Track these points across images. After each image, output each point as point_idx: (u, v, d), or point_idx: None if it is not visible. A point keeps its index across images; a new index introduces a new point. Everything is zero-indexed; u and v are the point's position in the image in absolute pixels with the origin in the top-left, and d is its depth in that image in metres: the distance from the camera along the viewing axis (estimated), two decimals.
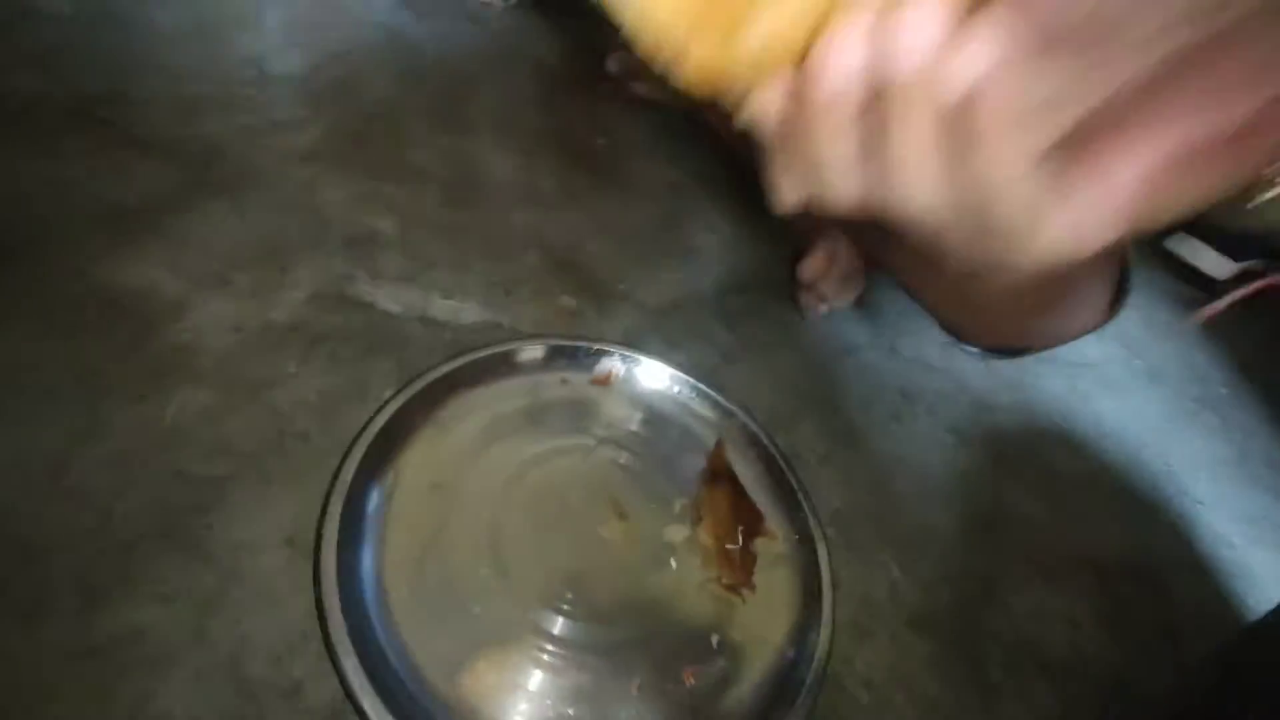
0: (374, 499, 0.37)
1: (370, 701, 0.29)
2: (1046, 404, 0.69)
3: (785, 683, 0.37)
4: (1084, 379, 0.75)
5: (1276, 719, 0.36)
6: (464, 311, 0.52)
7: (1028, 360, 0.74)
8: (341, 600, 0.32)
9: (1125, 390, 0.76)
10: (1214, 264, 1.07)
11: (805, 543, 0.44)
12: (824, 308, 0.65)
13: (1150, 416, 0.74)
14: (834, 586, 0.42)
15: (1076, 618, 0.50)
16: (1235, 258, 1.07)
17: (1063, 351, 0.78)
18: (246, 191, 0.53)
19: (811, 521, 0.45)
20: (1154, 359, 0.85)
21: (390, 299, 0.50)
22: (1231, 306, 0.95)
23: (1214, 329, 0.97)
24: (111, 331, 0.41)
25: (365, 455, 0.38)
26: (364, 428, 0.39)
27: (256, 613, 0.32)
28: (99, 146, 0.51)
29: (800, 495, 0.46)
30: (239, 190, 0.53)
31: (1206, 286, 1.07)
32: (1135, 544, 0.58)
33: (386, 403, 0.41)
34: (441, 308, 0.51)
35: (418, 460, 0.40)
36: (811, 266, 0.60)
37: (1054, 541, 0.55)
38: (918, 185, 0.18)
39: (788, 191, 0.21)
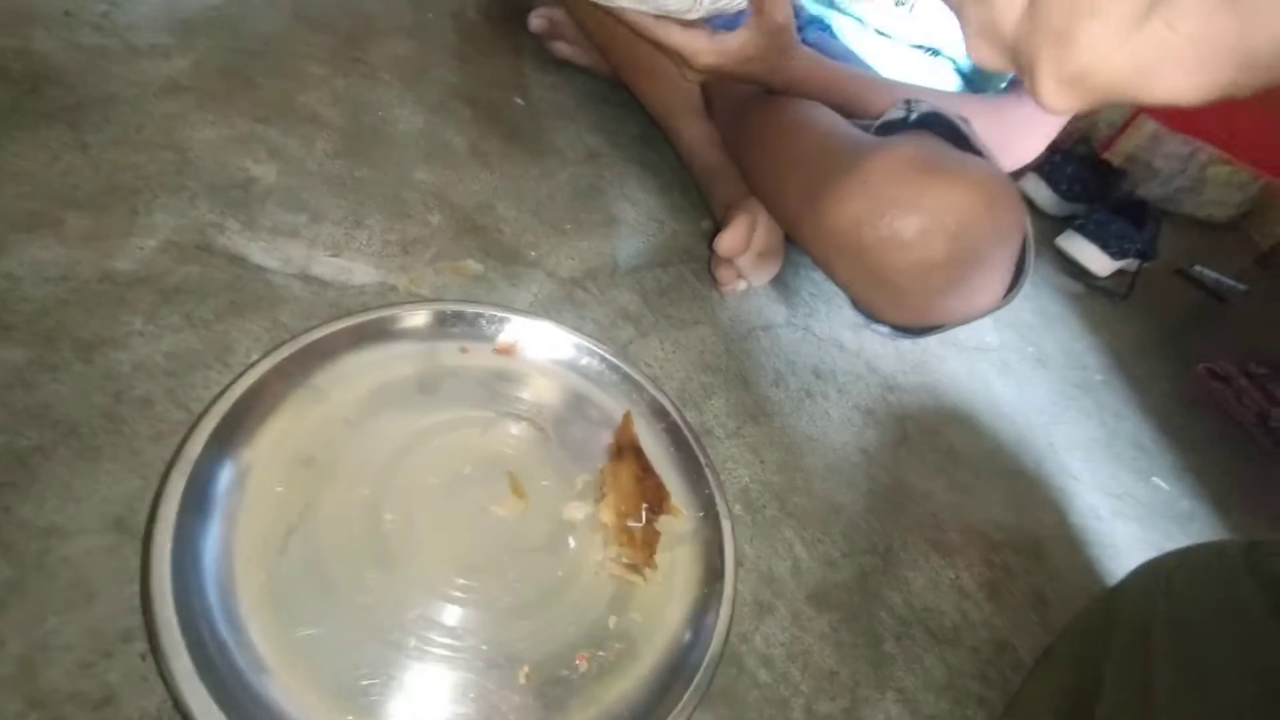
0: (226, 475, 0.32)
1: (204, 710, 0.25)
2: (949, 386, 0.72)
3: (682, 663, 0.36)
4: (982, 363, 0.79)
5: (1127, 680, 0.38)
6: (353, 271, 0.47)
7: (932, 344, 0.77)
8: (175, 592, 0.27)
9: (1018, 375, 0.81)
10: (1097, 261, 1.16)
11: (710, 520, 0.43)
12: (741, 285, 0.65)
13: (1038, 399, 0.79)
14: (737, 564, 0.42)
15: (965, 587, 0.52)
16: (1113, 256, 1.16)
17: (964, 336, 0.82)
18: (90, 123, 0.46)
19: (718, 498, 0.44)
20: (1042, 346, 0.91)
21: (265, 253, 0.44)
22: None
23: (1092, 321, 1.05)
24: None
25: (220, 425, 0.33)
26: (221, 393, 0.34)
27: (65, 610, 0.27)
28: None
29: (708, 471, 0.45)
30: (79, 121, 0.45)
31: (1087, 282, 1.16)
32: (1019, 517, 0.61)
33: (251, 366, 0.36)
34: (327, 265, 0.46)
35: (285, 431, 0.35)
36: (730, 239, 0.59)
37: (949, 516, 0.57)
38: None
39: None
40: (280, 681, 0.28)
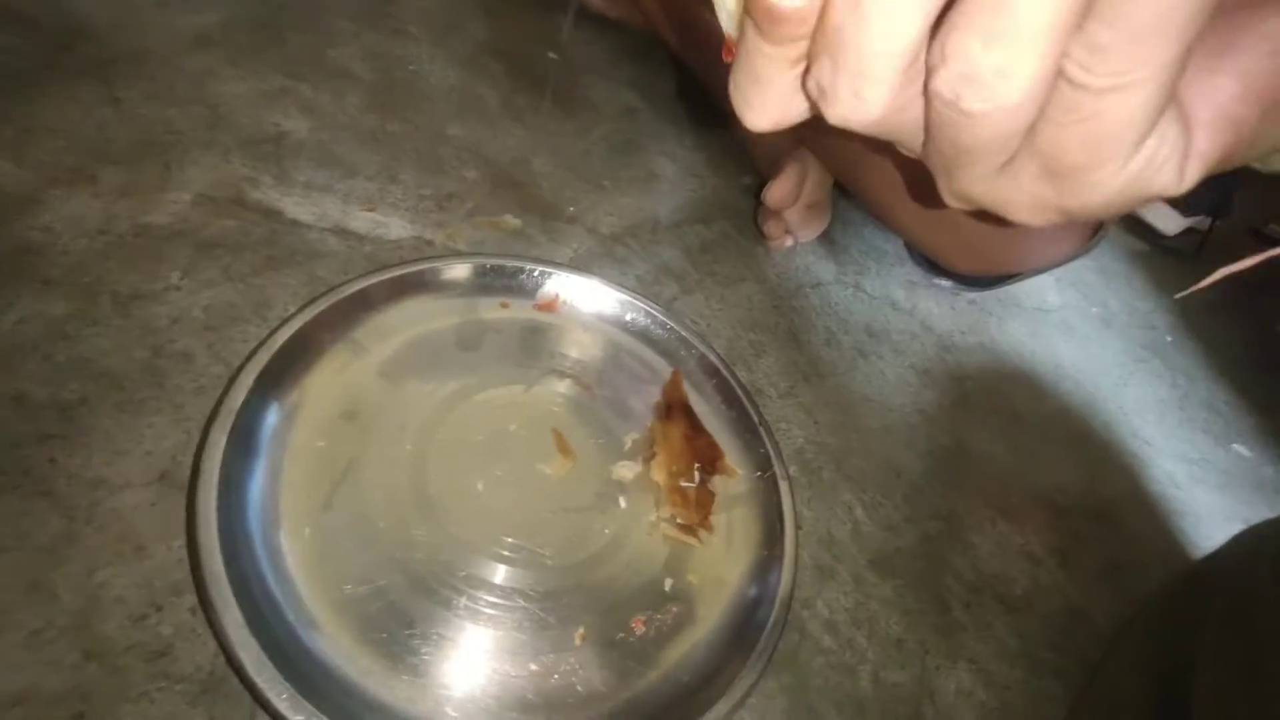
0: (269, 428, 0.31)
1: (256, 664, 0.24)
2: (1009, 346, 0.68)
3: (744, 627, 0.34)
4: (1044, 323, 0.74)
5: (1228, 655, 0.35)
6: (388, 226, 0.45)
7: (991, 303, 0.73)
8: (222, 545, 0.26)
9: (1082, 336, 0.76)
10: (1166, 218, 1.08)
11: (766, 480, 0.41)
12: (789, 240, 0.61)
13: (1104, 361, 0.74)
14: (797, 526, 0.39)
15: (1035, 554, 0.49)
16: (1184, 213, 1.09)
17: (1025, 296, 0.77)
18: (121, 78, 0.44)
19: (774, 458, 0.41)
20: (1108, 306, 0.85)
21: (300, 207, 0.43)
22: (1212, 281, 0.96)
23: (1159, 280, 0.98)
24: None
25: (260, 377, 0.32)
26: (260, 346, 0.33)
27: (116, 562, 0.27)
28: None
29: (762, 430, 0.43)
30: (111, 75, 0.44)
31: (1154, 240, 1.09)
32: (1090, 482, 0.58)
33: (290, 318, 0.35)
34: (362, 220, 0.44)
35: (325, 385, 0.34)
36: (779, 190, 0.55)
37: (1014, 480, 0.54)
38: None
39: (770, 104, 0.15)
40: (330, 638, 0.27)
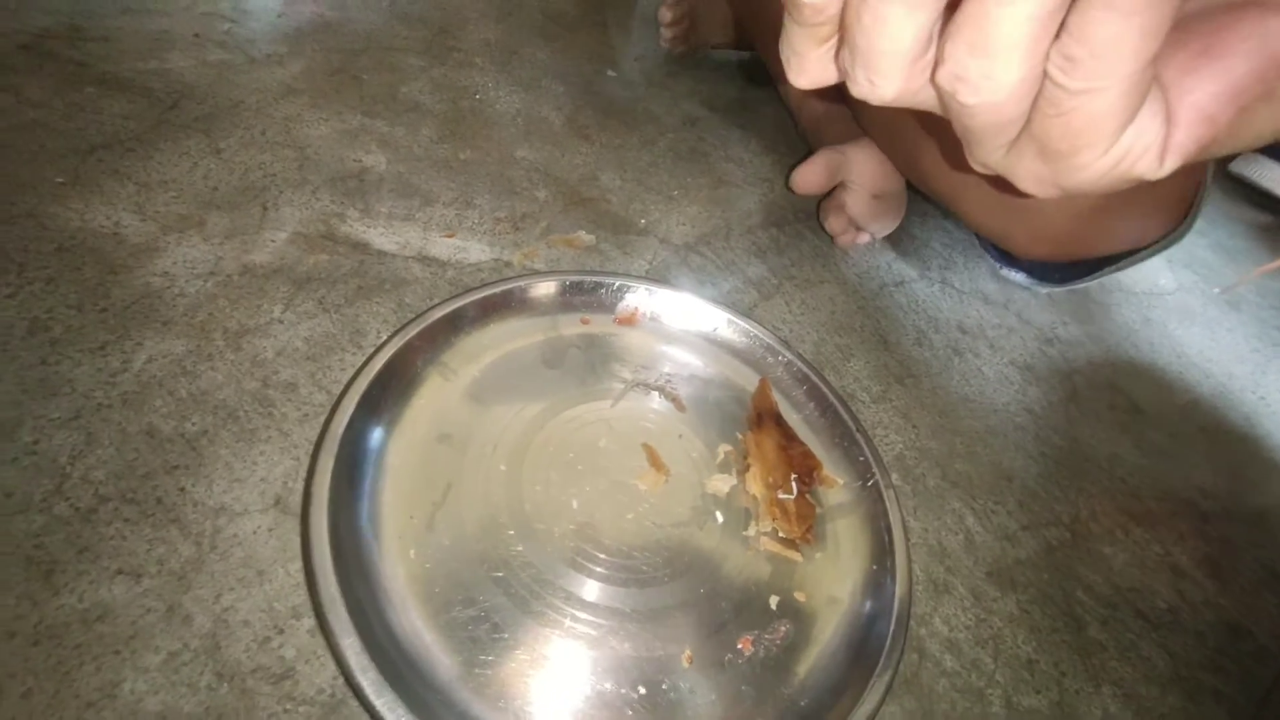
0: (371, 453, 0.32)
1: (375, 687, 0.24)
2: (1119, 335, 0.62)
3: (860, 647, 0.32)
4: (1158, 308, 0.68)
5: None
6: (468, 250, 0.46)
7: (1093, 290, 0.67)
8: (336, 570, 0.27)
9: (1205, 319, 0.69)
10: None
11: (869, 490, 0.38)
12: (863, 237, 0.59)
13: (1235, 347, 0.67)
14: (906, 537, 0.37)
15: (1179, 564, 0.44)
16: None
17: (1132, 280, 0.71)
18: (221, 130, 0.48)
19: (874, 465, 0.39)
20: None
21: (385, 238, 0.45)
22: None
23: None
24: (70, 278, 0.36)
25: (360, 404, 0.33)
26: (357, 374, 0.34)
27: (239, 586, 0.28)
28: (58, 84, 0.46)
29: (860, 437, 0.40)
30: (212, 129, 0.48)
31: (1277, 208, 0.98)
32: (1232, 482, 0.52)
33: (382, 346, 0.36)
34: (442, 246, 0.46)
35: (420, 409, 0.35)
36: (802, 174, 0.54)
37: (1144, 482, 0.49)
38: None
39: (807, 71, 0.18)
40: (441, 661, 0.27)
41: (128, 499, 0.29)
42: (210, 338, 0.36)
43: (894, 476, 0.42)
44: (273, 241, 0.42)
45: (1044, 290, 0.62)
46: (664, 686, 0.29)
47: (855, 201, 0.55)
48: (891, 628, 0.32)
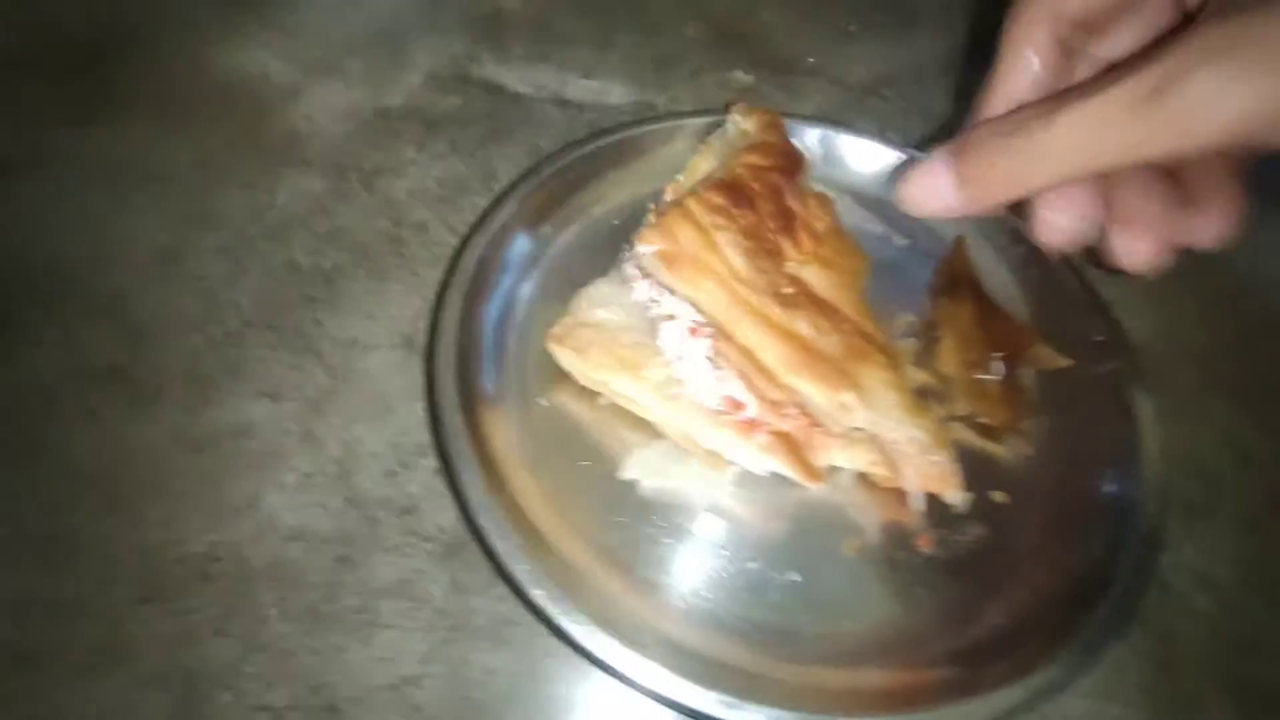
0: (501, 294, 0.29)
1: (497, 532, 0.22)
2: None
3: (1076, 570, 0.25)
4: None
5: None
6: (608, 92, 0.40)
7: None
8: (463, 411, 0.24)
9: None
10: None
11: (1106, 377, 0.29)
12: None
13: None
14: (1158, 441, 0.27)
15: None
16: None
17: None
18: None
19: (1114, 347, 0.29)
20: None
21: (519, 80, 0.40)
22: None
23: None
24: (224, 119, 0.36)
25: (489, 245, 0.29)
26: (486, 214, 0.31)
27: (369, 419, 0.27)
28: None
29: (1097, 313, 0.31)
30: None
31: None
32: None
33: (514, 186, 0.32)
34: (580, 88, 0.40)
35: (557, 251, 0.31)
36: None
37: None
38: None
39: None
40: (570, 516, 0.24)
41: (270, 326, 0.29)
42: (346, 178, 0.34)
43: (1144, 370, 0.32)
44: (407, 85, 0.39)
45: None
46: (820, 575, 0.24)
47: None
48: (1128, 551, 0.24)
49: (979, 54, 0.47)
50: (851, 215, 0.35)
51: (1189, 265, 0.36)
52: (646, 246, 0.22)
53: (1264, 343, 0.35)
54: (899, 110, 0.42)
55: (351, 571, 0.23)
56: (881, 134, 0.38)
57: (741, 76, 0.42)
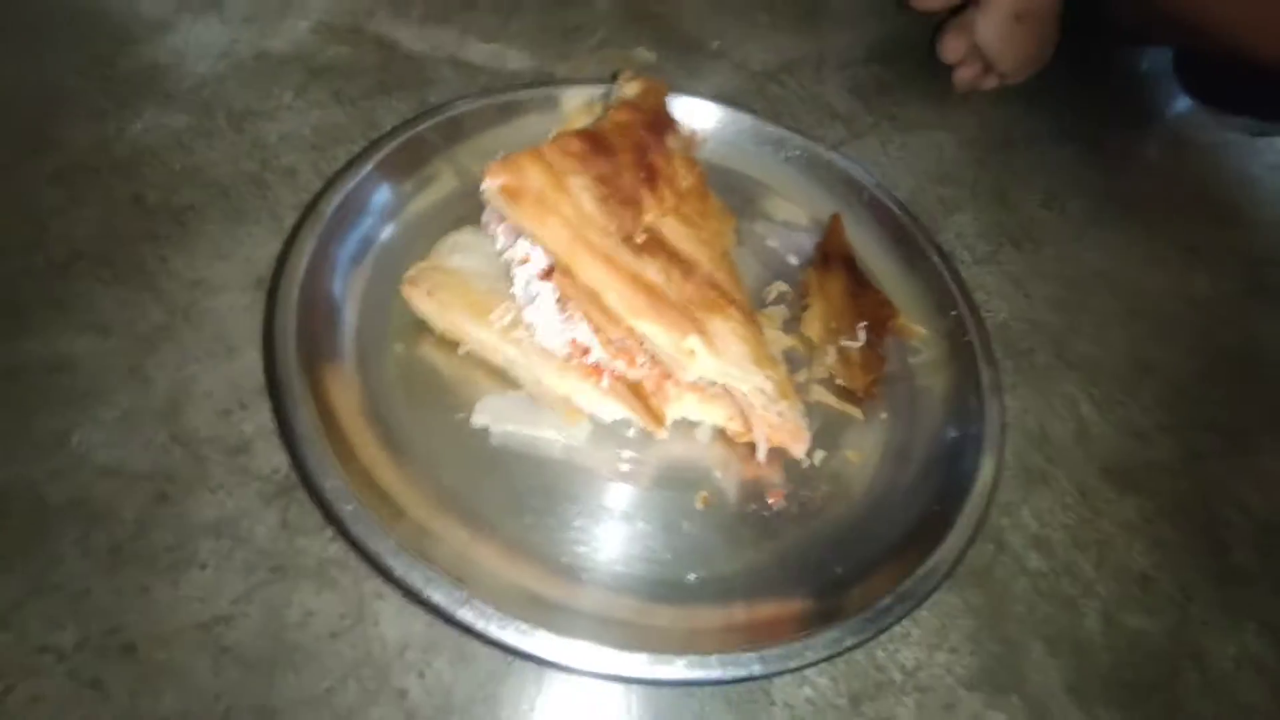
0: (361, 239, 0.28)
1: (320, 470, 0.21)
2: None
3: (914, 524, 0.26)
4: None
5: None
6: (507, 57, 0.40)
7: None
8: (300, 347, 0.23)
9: None
10: None
11: (959, 348, 0.31)
12: (988, 80, 0.47)
13: None
14: (999, 409, 0.29)
15: None
16: None
17: None
18: None
19: (970, 324, 0.31)
20: None
21: (416, 38, 0.39)
22: None
23: None
24: (78, 46, 0.33)
25: (355, 188, 0.28)
26: (358, 156, 0.30)
27: (207, 359, 0.25)
28: None
29: (954, 288, 0.32)
30: None
31: None
32: None
33: (392, 132, 0.31)
34: (479, 50, 0.40)
35: (427, 203, 0.30)
36: (949, 45, 0.42)
37: None
38: None
39: None
40: (410, 458, 0.23)
41: (105, 261, 0.27)
42: (212, 116, 0.32)
43: (994, 348, 0.34)
44: (293, 30, 0.38)
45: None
46: (673, 526, 0.24)
47: (988, 23, 0.43)
48: (965, 506, 0.26)
49: (879, 53, 0.49)
50: (736, 189, 0.35)
51: (1048, 258, 0.40)
52: (492, 180, 0.22)
53: (1115, 331, 0.37)
54: (796, 98, 0.44)
55: (168, 508, 0.22)
56: (774, 117, 0.39)
57: (645, 53, 0.43)
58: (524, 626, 0.19)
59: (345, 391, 0.24)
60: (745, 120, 0.37)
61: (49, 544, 0.21)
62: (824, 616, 0.22)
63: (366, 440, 0.23)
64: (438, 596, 0.20)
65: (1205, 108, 0.49)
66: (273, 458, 0.23)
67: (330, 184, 0.29)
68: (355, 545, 0.20)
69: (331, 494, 0.21)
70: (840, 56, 0.48)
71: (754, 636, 0.22)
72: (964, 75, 0.46)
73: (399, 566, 0.20)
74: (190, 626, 0.20)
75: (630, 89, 0.31)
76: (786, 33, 0.48)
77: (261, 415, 0.24)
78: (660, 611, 0.22)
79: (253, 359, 0.26)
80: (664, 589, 0.23)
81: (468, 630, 0.20)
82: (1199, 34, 0.41)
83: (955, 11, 0.45)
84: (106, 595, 0.20)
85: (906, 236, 0.34)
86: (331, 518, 0.21)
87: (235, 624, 0.20)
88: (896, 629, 0.24)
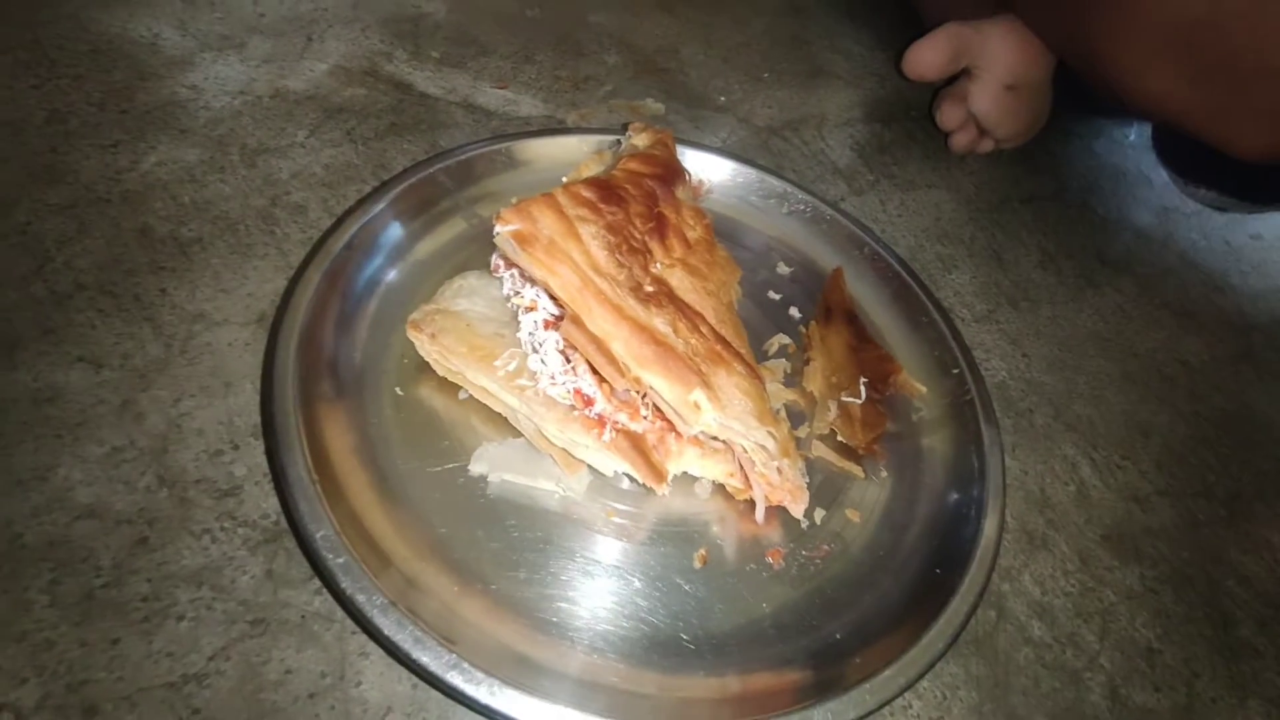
0: (366, 280, 0.28)
1: (313, 520, 0.20)
2: None
3: (917, 589, 0.25)
4: None
5: None
6: (519, 103, 0.41)
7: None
8: (299, 388, 0.23)
9: None
10: None
11: (961, 407, 0.31)
12: (984, 144, 0.48)
13: None
14: (1001, 469, 0.29)
15: None
16: None
17: None
18: None
19: (970, 383, 0.31)
20: None
21: (430, 81, 0.40)
22: None
23: None
24: (97, 79, 0.34)
25: (364, 227, 0.29)
26: (368, 196, 0.30)
27: (201, 394, 0.25)
28: None
29: (957, 349, 0.32)
30: None
31: None
32: None
33: (403, 174, 0.31)
34: (491, 96, 0.41)
35: (435, 246, 0.30)
36: (917, 53, 0.44)
37: None
38: None
39: None
40: (407, 509, 0.23)
41: (106, 291, 0.26)
42: (226, 151, 0.33)
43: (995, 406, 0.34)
44: (311, 71, 0.38)
45: (1249, 218, 0.50)
46: (669, 584, 0.23)
47: (982, 93, 0.44)
48: (968, 573, 0.25)
49: (879, 112, 0.50)
50: (740, 238, 0.36)
51: (1044, 318, 0.40)
52: (504, 226, 0.22)
53: (1111, 393, 0.37)
54: (799, 153, 0.45)
55: (148, 554, 0.21)
56: (778, 171, 0.40)
57: (653, 104, 0.44)
58: (514, 694, 0.18)
59: (342, 433, 0.24)
60: (751, 174, 0.38)
61: (17, 588, 0.20)
62: (822, 687, 0.22)
63: (360, 484, 0.23)
64: (425, 658, 0.19)
65: (1176, 178, 0.51)
66: (262, 502, 0.23)
67: (339, 222, 0.29)
68: (341, 599, 0.20)
69: (322, 544, 0.20)
70: (841, 115, 0.50)
71: (748, 710, 0.21)
72: (961, 141, 0.47)
73: (387, 625, 0.19)
74: (159, 685, 0.19)
75: (640, 139, 0.32)
76: (789, 90, 0.50)
77: (254, 457, 0.24)
78: (650, 679, 0.21)
79: (249, 396, 0.25)
80: (657, 652, 0.22)
81: (454, 694, 0.19)
82: (1163, 119, 0.42)
83: (950, 79, 0.46)
84: (72, 648, 0.19)
85: (907, 293, 0.35)
86: (319, 569, 0.20)
87: (208, 682, 0.19)
88: (898, 701, 0.23)
